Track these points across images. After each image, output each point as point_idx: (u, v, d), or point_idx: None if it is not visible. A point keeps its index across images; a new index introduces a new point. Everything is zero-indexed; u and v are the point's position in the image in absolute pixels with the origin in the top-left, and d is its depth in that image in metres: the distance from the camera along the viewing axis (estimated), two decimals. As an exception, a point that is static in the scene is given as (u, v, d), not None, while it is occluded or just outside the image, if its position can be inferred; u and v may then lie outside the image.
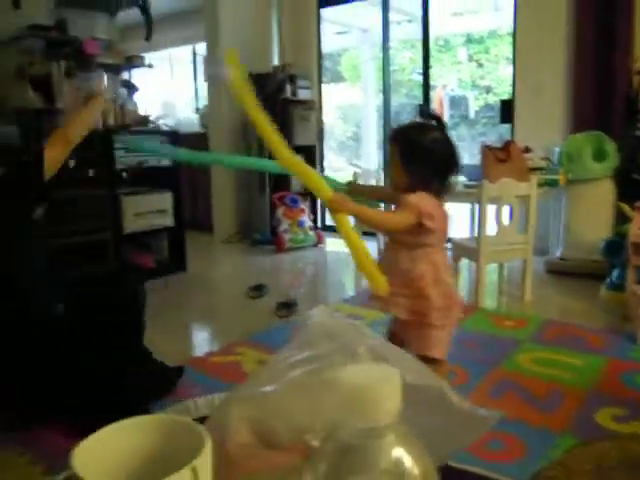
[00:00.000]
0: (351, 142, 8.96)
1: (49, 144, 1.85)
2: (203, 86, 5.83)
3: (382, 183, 4.61)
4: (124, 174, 3.72)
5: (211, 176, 5.29)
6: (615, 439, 0.74)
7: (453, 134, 1.69)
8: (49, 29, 3.57)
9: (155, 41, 4.16)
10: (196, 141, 4.92)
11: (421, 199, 1.54)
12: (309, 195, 5.28)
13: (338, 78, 8.38)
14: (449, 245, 3.09)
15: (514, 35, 4.30)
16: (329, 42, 6.40)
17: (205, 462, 0.48)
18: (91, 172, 3.51)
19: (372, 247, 4.25)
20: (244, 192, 5.31)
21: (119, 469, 0.52)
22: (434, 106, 5.50)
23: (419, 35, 4.91)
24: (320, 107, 5.54)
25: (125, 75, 4.20)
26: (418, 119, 1.70)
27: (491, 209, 2.97)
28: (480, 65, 8.11)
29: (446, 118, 6.09)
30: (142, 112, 4.03)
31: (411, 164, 1.57)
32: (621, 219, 3.30)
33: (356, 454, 0.39)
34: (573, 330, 2.61)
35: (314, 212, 5.28)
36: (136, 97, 4.12)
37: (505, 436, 1.64)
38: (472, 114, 7.65)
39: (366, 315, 2.74)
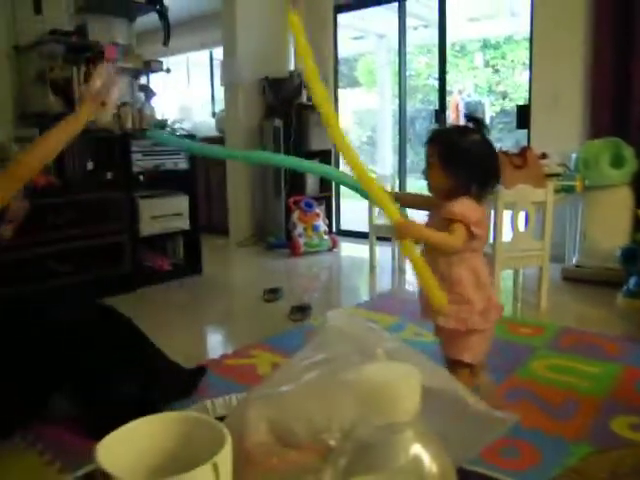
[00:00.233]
0: (366, 147, 8.97)
1: None
2: (220, 90, 5.88)
3: (397, 189, 4.61)
4: (141, 177, 3.76)
5: (227, 180, 5.33)
6: (631, 447, 0.73)
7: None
8: (69, 34, 3.63)
9: (173, 46, 4.20)
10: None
11: (465, 207, 1.52)
12: (324, 199, 5.30)
13: (354, 83, 8.40)
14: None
15: (531, 40, 4.27)
16: (345, 47, 6.42)
17: (226, 459, 0.49)
18: (109, 175, 3.56)
19: (387, 251, 4.27)
20: (259, 196, 5.34)
21: (142, 464, 0.53)
22: (449, 112, 5.49)
23: (435, 40, 4.90)
24: (336, 112, 5.54)
25: (143, 79, 4.25)
26: (464, 122, 1.67)
27: (507, 215, 2.96)
28: (496, 70, 8.08)
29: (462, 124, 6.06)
30: (159, 116, 4.08)
31: (451, 166, 1.56)
32: (638, 226, 3.27)
33: (374, 451, 0.39)
34: (589, 338, 2.59)
35: (329, 216, 5.28)
36: (153, 101, 4.17)
37: (520, 443, 1.63)
38: (488, 120, 7.63)
39: (380, 319, 2.74)
